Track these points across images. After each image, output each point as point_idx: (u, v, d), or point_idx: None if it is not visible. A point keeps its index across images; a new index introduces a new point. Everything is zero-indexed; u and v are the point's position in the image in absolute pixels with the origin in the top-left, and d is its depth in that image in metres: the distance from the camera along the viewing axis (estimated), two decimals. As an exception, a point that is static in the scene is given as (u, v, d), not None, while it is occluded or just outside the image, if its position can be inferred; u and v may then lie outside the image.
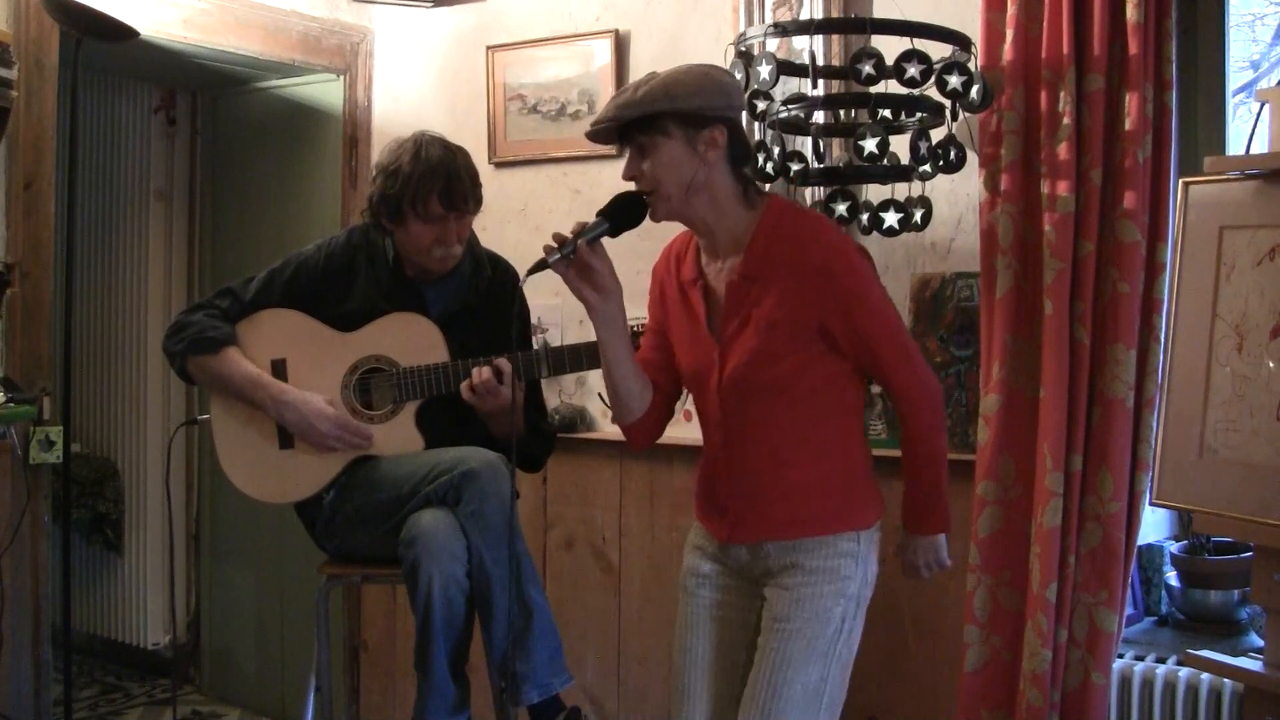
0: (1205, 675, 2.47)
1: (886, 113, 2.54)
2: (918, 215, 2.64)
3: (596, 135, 2.06)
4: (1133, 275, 2.50)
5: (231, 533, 4.25)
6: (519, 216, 3.61)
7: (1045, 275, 2.54)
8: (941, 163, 2.59)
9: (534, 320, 2.78)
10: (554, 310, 3.47)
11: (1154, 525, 2.84)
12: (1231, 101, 2.76)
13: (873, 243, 2.97)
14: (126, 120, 4.52)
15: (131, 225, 4.51)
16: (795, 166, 2.60)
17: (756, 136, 2.78)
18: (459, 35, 3.73)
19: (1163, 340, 2.46)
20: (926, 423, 2.11)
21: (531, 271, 2.01)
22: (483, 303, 2.62)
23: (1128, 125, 2.50)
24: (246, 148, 4.20)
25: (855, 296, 2.01)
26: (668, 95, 1.96)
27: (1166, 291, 2.51)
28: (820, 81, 2.78)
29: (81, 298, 4.47)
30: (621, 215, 2.03)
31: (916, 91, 2.48)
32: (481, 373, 2.42)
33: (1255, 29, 2.99)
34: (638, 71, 2.17)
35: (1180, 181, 2.37)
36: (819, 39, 2.87)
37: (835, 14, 2.95)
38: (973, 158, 2.70)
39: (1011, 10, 2.60)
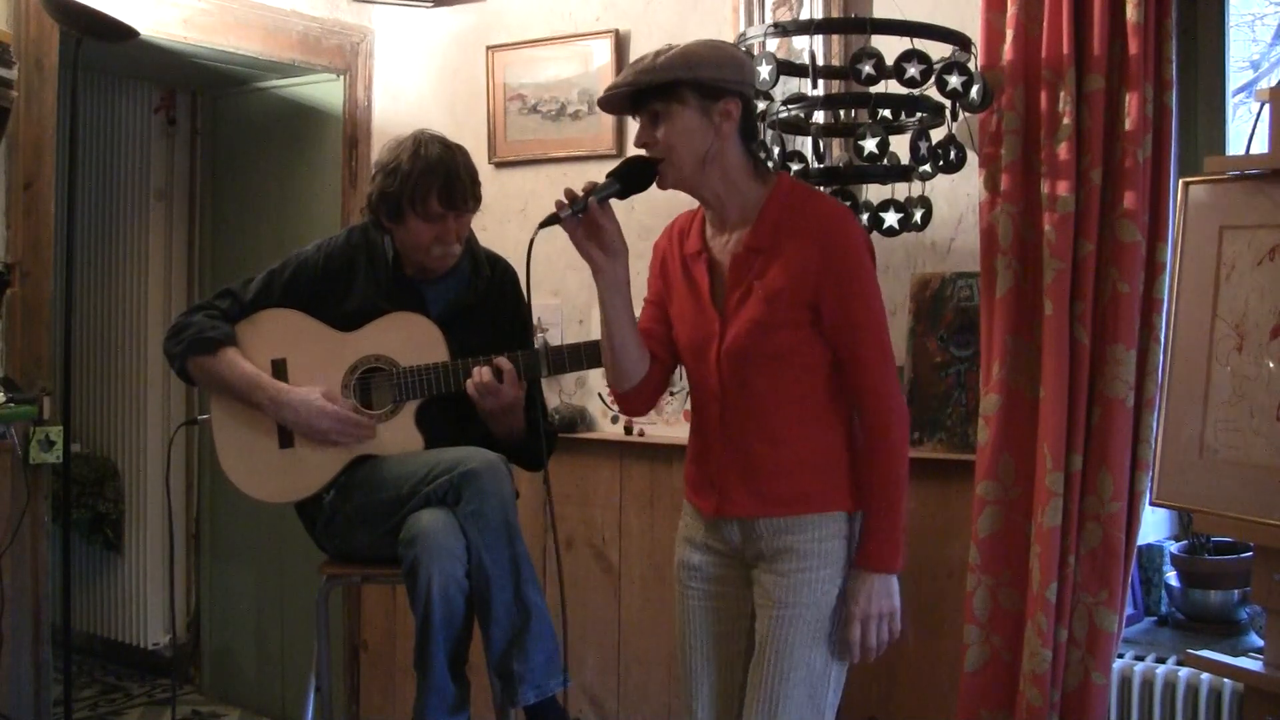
0: (1205, 675, 2.47)
1: (886, 113, 2.54)
2: (918, 215, 2.64)
3: (609, 102, 2.07)
4: (1133, 275, 2.50)
5: (231, 533, 4.25)
6: (519, 216, 3.61)
7: (1045, 275, 2.54)
8: (941, 163, 2.59)
9: (534, 320, 2.78)
10: (554, 310, 3.48)
11: (1154, 525, 2.84)
12: (1231, 101, 2.76)
13: (873, 242, 2.97)
14: (126, 120, 4.53)
15: (131, 225, 4.51)
16: (795, 166, 2.61)
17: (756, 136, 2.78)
18: (459, 35, 3.73)
19: (1163, 340, 2.46)
20: (896, 436, 2.04)
21: (543, 225, 2.00)
22: (482, 302, 2.62)
23: (1128, 125, 2.50)
24: (246, 148, 4.20)
25: (851, 274, 2.01)
26: (687, 64, 1.98)
27: (1166, 291, 2.51)
28: (820, 81, 2.77)
29: (81, 298, 4.47)
30: (631, 178, 2.04)
31: (916, 91, 2.48)
32: (482, 373, 2.42)
33: (1255, 29, 2.99)
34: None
35: (1180, 181, 2.37)
36: (819, 39, 2.87)
37: (835, 14, 2.95)
38: (973, 158, 2.70)
39: (1011, 10, 2.60)
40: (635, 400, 2.21)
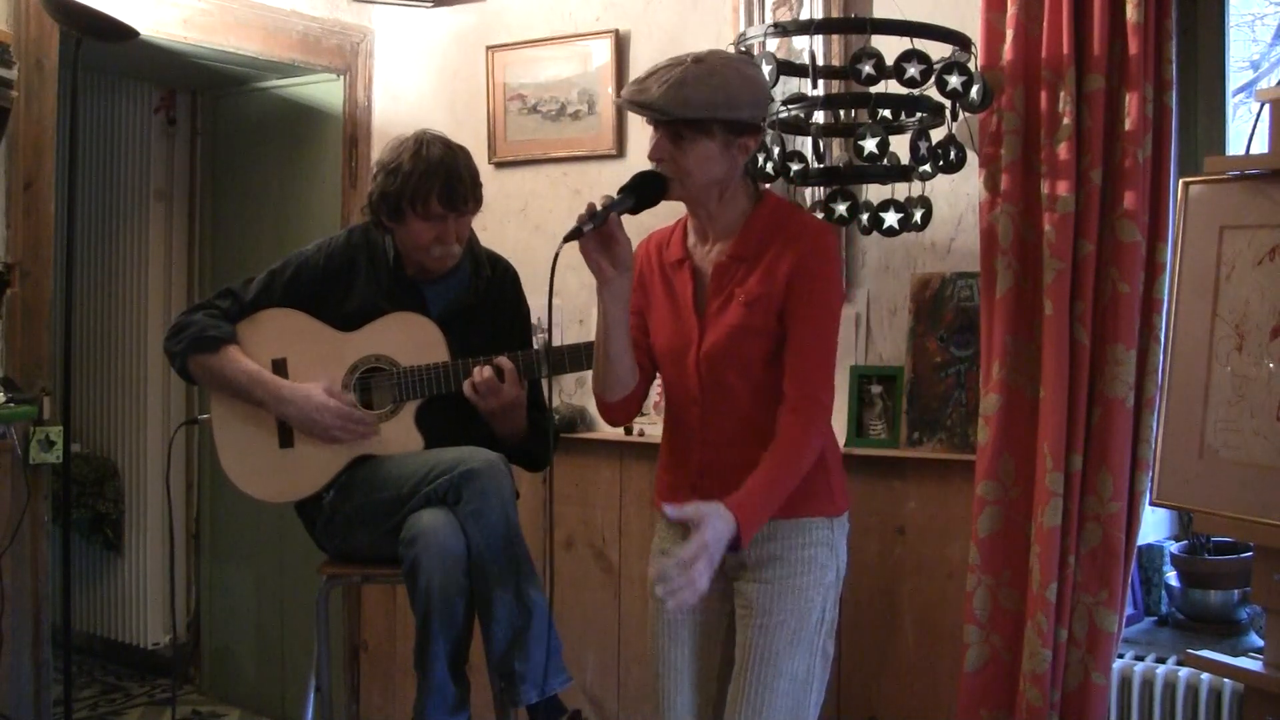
0: (1205, 675, 2.47)
1: (886, 113, 2.54)
2: (918, 215, 2.64)
3: (631, 109, 2.07)
4: (1133, 275, 2.50)
5: (231, 533, 4.25)
6: (519, 216, 3.61)
7: (1045, 275, 2.54)
8: (941, 163, 2.59)
9: (534, 320, 2.78)
10: (554, 310, 3.47)
11: (1154, 525, 2.84)
12: (1231, 101, 2.76)
13: (873, 243, 2.98)
14: (126, 120, 4.52)
15: (131, 225, 4.51)
16: (795, 166, 2.61)
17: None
18: (459, 35, 3.73)
19: (1163, 340, 2.46)
20: (811, 425, 2.01)
21: (567, 239, 2.01)
22: (482, 302, 2.62)
23: (1128, 125, 2.50)
24: (246, 148, 4.20)
25: (815, 271, 2.04)
26: (729, 104, 1.99)
27: (1166, 291, 2.51)
28: (820, 81, 2.77)
29: (81, 298, 4.47)
30: (644, 193, 2.06)
31: (916, 91, 2.48)
32: (482, 371, 2.42)
33: (1255, 29, 2.99)
34: (637, 72, 2.18)
35: (1180, 181, 2.37)
36: (819, 39, 2.87)
37: (835, 14, 2.95)
38: (973, 158, 2.70)
39: (1011, 10, 2.60)
40: (622, 409, 2.24)
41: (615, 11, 3.43)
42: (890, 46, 2.45)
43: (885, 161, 2.52)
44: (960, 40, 2.51)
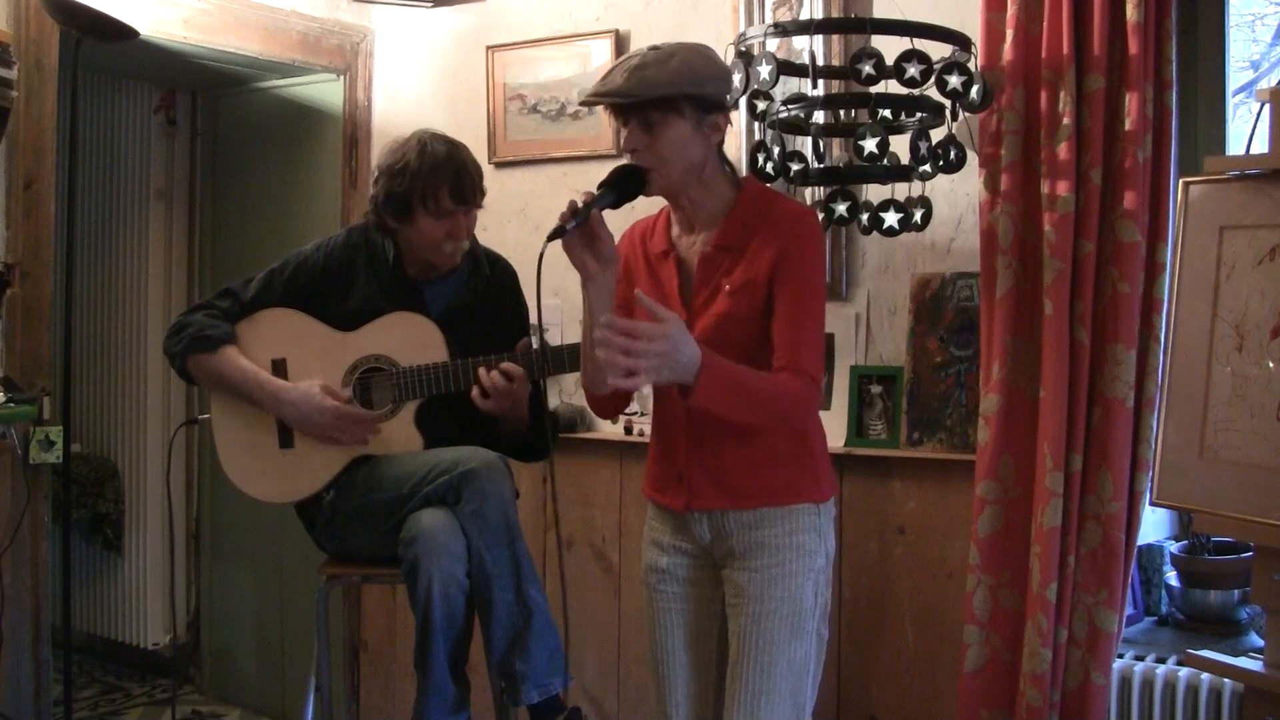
0: (1205, 675, 2.47)
1: (886, 113, 2.54)
2: (918, 215, 2.64)
3: (596, 102, 2.07)
4: (1133, 275, 2.50)
5: (231, 533, 4.25)
6: (519, 216, 3.61)
7: (1045, 275, 2.54)
8: (941, 163, 2.59)
9: (534, 320, 2.78)
10: (554, 310, 3.47)
11: (1154, 525, 2.84)
12: (1231, 101, 2.76)
13: (873, 243, 2.97)
14: (126, 120, 4.52)
15: (131, 225, 4.51)
16: (795, 166, 2.60)
17: (756, 136, 2.79)
18: (459, 35, 3.73)
19: (1163, 340, 2.46)
20: (796, 381, 1.98)
21: (550, 239, 2.00)
22: (482, 301, 2.62)
23: (1128, 125, 2.50)
24: (246, 148, 4.20)
25: (800, 254, 2.04)
26: (693, 79, 2.00)
27: (1166, 291, 2.51)
28: (820, 81, 2.78)
29: (81, 298, 4.47)
30: (624, 187, 2.06)
31: (916, 91, 2.48)
32: (493, 377, 2.40)
33: (1255, 29, 2.99)
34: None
35: (1180, 181, 2.37)
36: (819, 39, 2.87)
37: (835, 14, 2.95)
38: (973, 158, 2.70)
39: (1011, 10, 2.60)
40: (611, 403, 2.27)
41: (615, 11, 3.43)
42: (890, 46, 2.45)
43: (885, 161, 2.52)
44: (960, 40, 2.51)
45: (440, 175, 2.44)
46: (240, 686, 4.26)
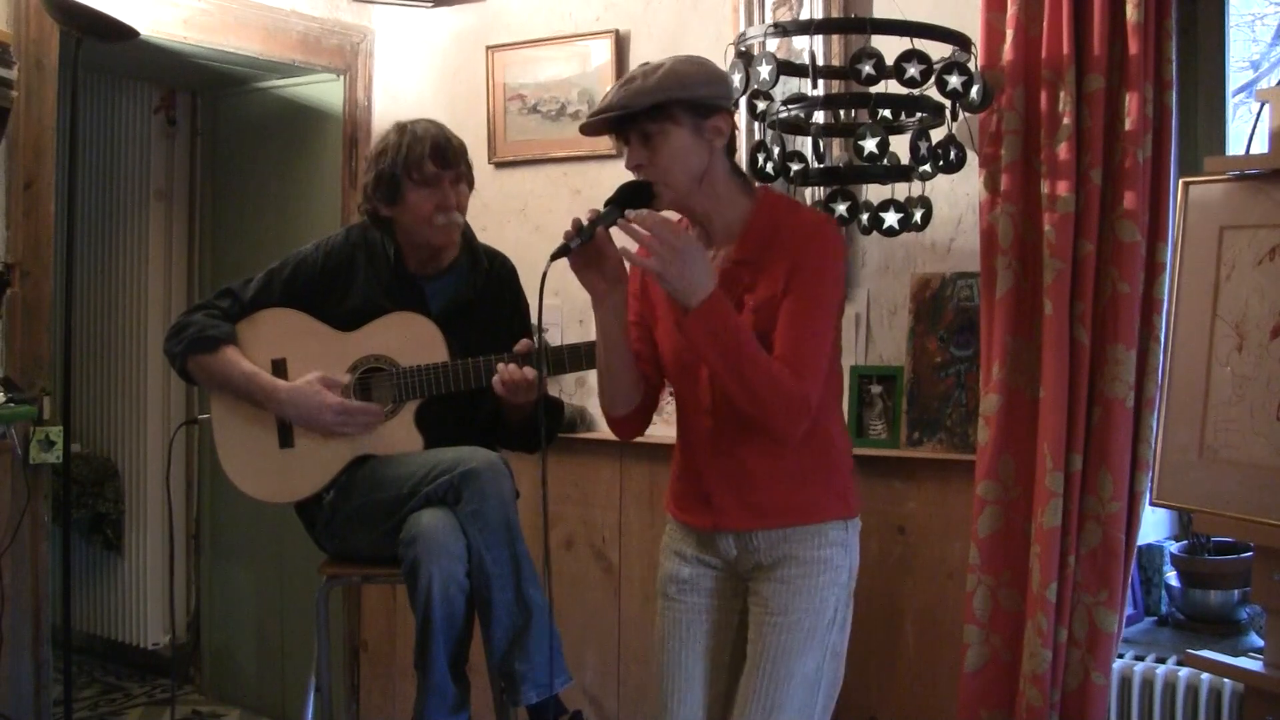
0: (1205, 675, 2.47)
1: (886, 113, 2.54)
2: (918, 215, 2.64)
3: (593, 127, 2.06)
4: (1133, 275, 2.50)
5: (231, 533, 4.25)
6: (519, 216, 3.61)
7: (1045, 275, 2.54)
8: (941, 163, 2.59)
9: (534, 320, 2.78)
10: (554, 310, 3.47)
11: (1154, 525, 2.84)
12: (1231, 101, 2.76)
13: (873, 243, 2.97)
14: (126, 120, 4.52)
15: (131, 225, 4.51)
16: (795, 166, 2.60)
17: (756, 136, 2.79)
18: (459, 35, 3.73)
19: (1163, 340, 2.46)
20: (787, 387, 1.94)
21: (554, 257, 1.98)
22: (482, 296, 2.62)
23: (1128, 125, 2.50)
24: (246, 148, 4.20)
25: (812, 264, 2.00)
26: (680, 84, 1.98)
27: (1166, 291, 2.51)
28: (820, 81, 2.78)
29: (81, 298, 4.47)
30: (629, 203, 2.03)
31: (916, 91, 2.48)
32: (510, 370, 2.39)
33: (1255, 29, 2.99)
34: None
35: (1180, 181, 2.37)
36: (819, 39, 2.87)
37: (835, 14, 2.95)
38: (973, 158, 2.70)
39: (1011, 10, 2.60)
40: (630, 424, 2.21)
41: (615, 11, 3.43)
42: (890, 46, 2.45)
43: (885, 161, 2.52)
44: (960, 40, 2.51)
45: (421, 145, 2.48)
46: (240, 686, 4.26)
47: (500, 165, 3.62)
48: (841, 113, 2.81)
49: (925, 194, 2.66)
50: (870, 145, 2.44)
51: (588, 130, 2.08)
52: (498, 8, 3.65)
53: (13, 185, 2.97)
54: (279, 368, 2.56)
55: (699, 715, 2.17)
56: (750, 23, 3.07)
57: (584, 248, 1.99)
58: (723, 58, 2.48)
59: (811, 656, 2.05)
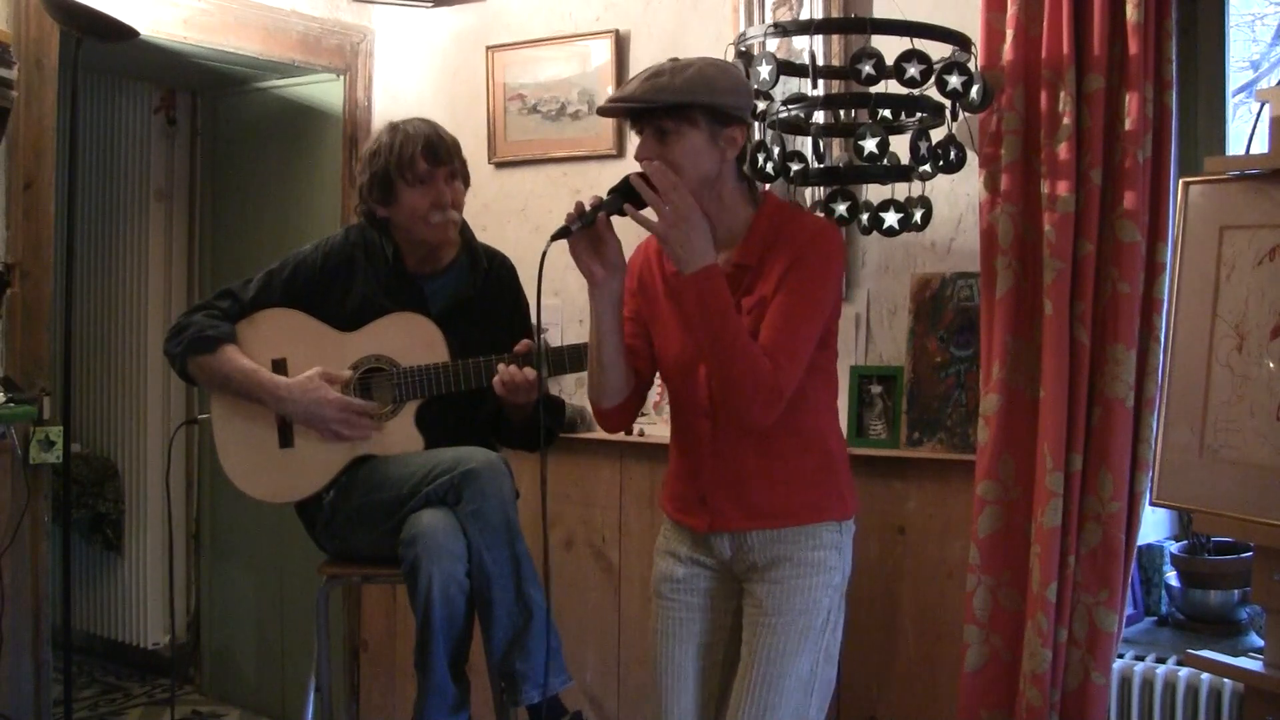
0: (1205, 675, 2.47)
1: (886, 113, 2.54)
2: (918, 215, 2.64)
3: (611, 111, 2.09)
4: (1133, 275, 2.50)
5: (231, 533, 4.25)
6: (519, 216, 3.61)
7: (1045, 275, 2.54)
8: (941, 163, 2.59)
9: (534, 316, 2.78)
10: (554, 310, 3.48)
11: (1154, 525, 2.84)
12: (1231, 101, 2.76)
13: (873, 243, 2.98)
14: (126, 120, 4.52)
15: (131, 225, 4.51)
16: (795, 166, 2.60)
17: (756, 136, 2.79)
18: (459, 35, 3.73)
19: (1163, 340, 2.46)
20: (762, 373, 1.95)
21: (554, 238, 1.99)
22: (481, 295, 2.62)
23: (1128, 125, 2.50)
24: (246, 148, 4.20)
25: (807, 262, 2.01)
26: (707, 88, 1.98)
27: (1166, 291, 2.51)
28: (820, 81, 2.77)
29: (81, 298, 4.47)
30: (633, 195, 2.03)
31: (916, 91, 2.48)
32: (511, 370, 2.39)
33: (1255, 29, 2.99)
34: (637, 71, 2.18)
35: (1180, 181, 2.37)
36: (819, 39, 2.87)
37: (835, 14, 2.95)
38: (973, 158, 2.70)
39: (1011, 10, 2.60)
40: (617, 417, 2.21)
41: (615, 12, 3.43)
42: (890, 46, 2.45)
43: (885, 161, 2.52)
44: (960, 40, 2.51)
45: (413, 143, 2.49)
46: (240, 686, 4.26)
47: (500, 165, 3.62)
48: (841, 113, 2.81)
49: (925, 194, 2.66)
50: (870, 145, 2.44)
51: (603, 113, 2.11)
52: (498, 8, 3.65)
53: (13, 185, 2.97)
54: (279, 368, 2.56)
55: (694, 715, 2.18)
56: (750, 23, 3.07)
57: (584, 233, 2.00)
58: (723, 58, 2.48)
59: (805, 657, 2.06)
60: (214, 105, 4.32)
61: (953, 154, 2.59)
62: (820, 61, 2.79)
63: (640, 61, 3.33)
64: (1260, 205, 2.20)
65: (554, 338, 3.45)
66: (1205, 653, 2.33)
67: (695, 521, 2.15)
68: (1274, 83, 2.67)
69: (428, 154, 2.49)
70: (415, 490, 2.38)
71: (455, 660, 2.35)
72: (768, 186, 2.64)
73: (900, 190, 2.68)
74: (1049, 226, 2.53)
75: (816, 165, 2.66)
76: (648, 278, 2.20)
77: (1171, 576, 2.81)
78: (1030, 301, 2.60)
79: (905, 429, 2.90)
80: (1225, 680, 2.43)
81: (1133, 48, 2.48)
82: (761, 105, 2.65)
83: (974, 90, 2.49)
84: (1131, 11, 2.47)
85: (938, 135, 2.58)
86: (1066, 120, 2.52)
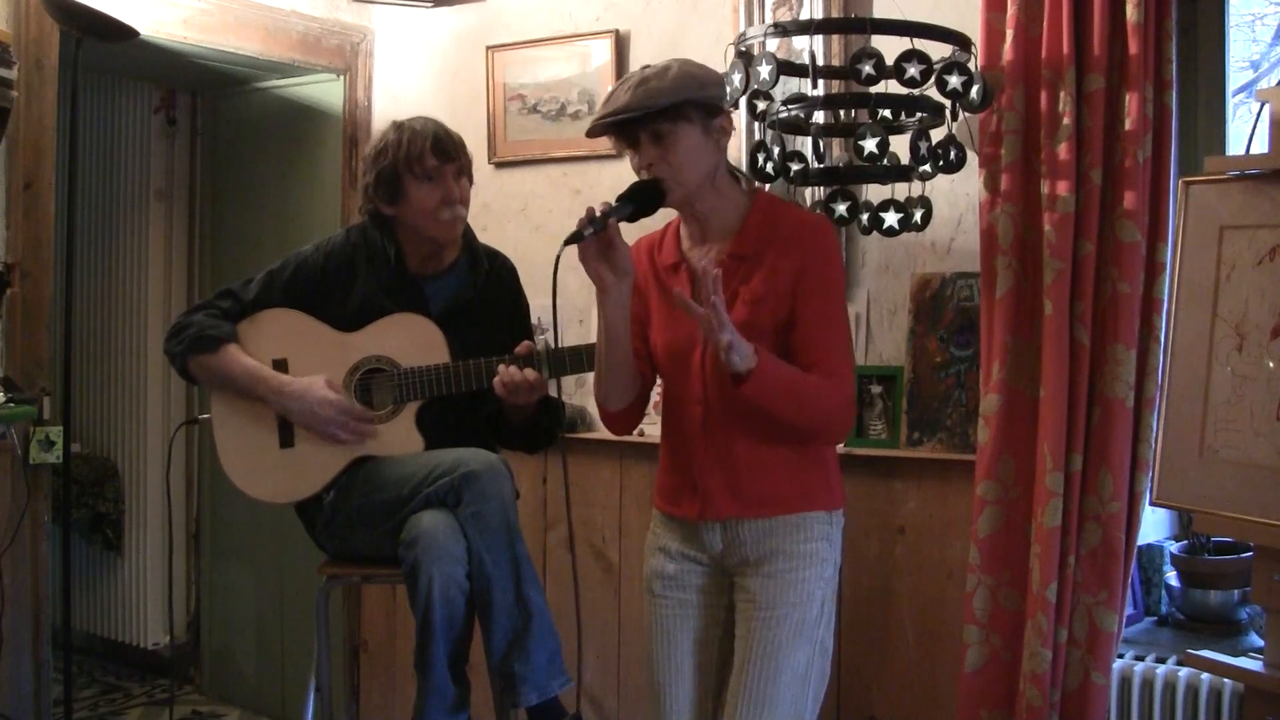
0: (1205, 675, 2.47)
1: (886, 113, 2.54)
2: (918, 215, 2.64)
3: (598, 130, 2.09)
4: (1133, 275, 2.50)
5: (231, 533, 4.25)
6: (519, 216, 3.61)
7: (1045, 275, 2.54)
8: (941, 163, 2.59)
9: (534, 320, 2.78)
10: (553, 311, 3.47)
11: (1154, 525, 2.84)
12: (1231, 101, 2.76)
13: (873, 243, 2.97)
14: (126, 120, 4.52)
15: (131, 225, 4.51)
16: (795, 166, 2.60)
17: (756, 136, 2.79)
18: (459, 35, 3.73)
19: (1163, 340, 2.46)
20: (828, 386, 2.02)
21: (568, 243, 2.01)
22: (482, 296, 2.62)
23: (1128, 125, 2.50)
24: (246, 148, 4.20)
25: (821, 270, 2.07)
26: (696, 84, 2.04)
27: (1166, 291, 2.51)
28: (820, 81, 2.78)
29: (81, 298, 4.47)
30: (642, 201, 2.08)
31: (916, 91, 2.48)
32: (512, 373, 2.39)
33: (1255, 29, 2.99)
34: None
35: (1180, 181, 2.37)
36: (819, 39, 2.87)
37: (835, 14, 2.95)
38: (973, 158, 2.70)
39: (1011, 10, 2.60)
40: (624, 419, 2.25)
41: (615, 11, 3.43)
42: (890, 46, 2.44)
43: (885, 161, 2.52)
44: (960, 40, 2.51)
45: (420, 140, 2.49)
46: (240, 686, 4.26)
47: (500, 165, 3.62)
48: (841, 113, 2.80)
49: (925, 194, 2.66)
50: (870, 145, 2.44)
51: (594, 134, 2.11)
52: (498, 8, 3.65)
53: (13, 185, 2.97)
54: (280, 368, 2.56)
55: (691, 710, 2.18)
56: (750, 23, 3.07)
57: (594, 239, 2.02)
58: (723, 58, 2.48)
59: (801, 650, 2.07)
60: (214, 105, 4.33)
61: (953, 154, 2.59)
62: (820, 61, 2.79)
63: (640, 61, 3.29)
64: (1260, 205, 2.20)
65: (554, 339, 3.45)
66: (1205, 653, 2.33)
67: (686, 510, 2.17)
68: (1274, 83, 2.67)
69: (437, 150, 2.49)
70: (415, 491, 2.38)
71: (455, 661, 2.35)
72: (767, 187, 2.64)
73: (900, 190, 2.68)
74: (1049, 226, 2.53)
75: (816, 165, 2.65)
76: (642, 276, 2.23)
77: (1171, 576, 2.81)
78: (1030, 301, 2.60)
79: (905, 429, 2.90)
80: (1225, 680, 2.43)
81: (1133, 48, 2.48)
82: (761, 105, 2.65)
83: (974, 90, 2.48)
84: (1131, 11, 2.47)
85: (938, 135, 2.58)
86: (1066, 120, 2.52)
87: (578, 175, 3.50)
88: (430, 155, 2.48)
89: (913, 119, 2.62)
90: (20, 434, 2.95)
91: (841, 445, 2.94)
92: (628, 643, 3.41)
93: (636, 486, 3.37)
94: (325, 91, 3.90)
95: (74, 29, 2.88)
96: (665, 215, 2.21)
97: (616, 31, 3.40)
